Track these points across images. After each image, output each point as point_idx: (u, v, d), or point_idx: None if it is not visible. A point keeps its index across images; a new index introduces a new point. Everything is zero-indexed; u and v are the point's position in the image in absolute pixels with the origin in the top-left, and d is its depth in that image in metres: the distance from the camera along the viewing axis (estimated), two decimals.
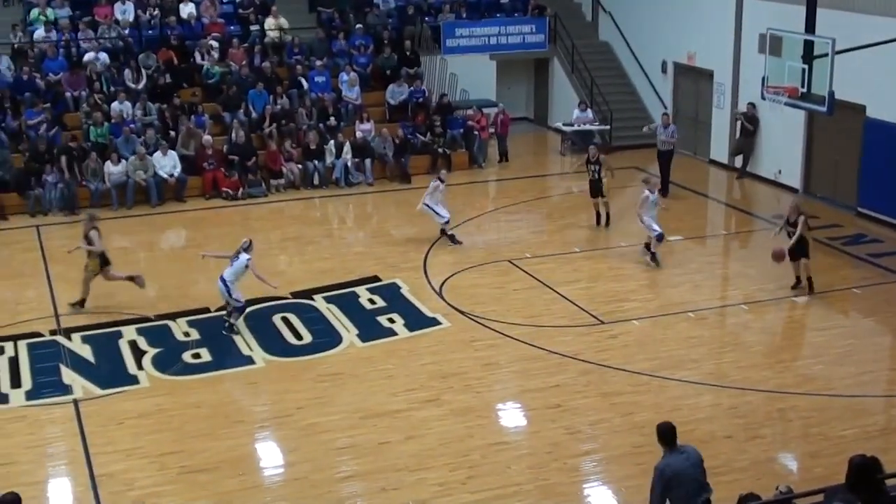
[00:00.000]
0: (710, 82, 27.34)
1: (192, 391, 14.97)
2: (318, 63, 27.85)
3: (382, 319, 17.35)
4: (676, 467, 9.98)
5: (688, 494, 9.98)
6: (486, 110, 28.16)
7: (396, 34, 29.61)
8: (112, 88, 26.39)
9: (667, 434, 10.11)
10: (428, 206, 20.72)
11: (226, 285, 16.47)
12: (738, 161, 26.24)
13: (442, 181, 20.95)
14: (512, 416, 14.57)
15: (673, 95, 29.09)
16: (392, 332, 16.87)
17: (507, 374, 15.53)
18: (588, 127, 28.83)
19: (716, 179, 26.43)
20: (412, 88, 27.99)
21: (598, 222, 21.99)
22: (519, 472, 12.76)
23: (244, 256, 16.59)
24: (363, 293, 18.44)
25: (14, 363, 15.94)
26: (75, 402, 14.72)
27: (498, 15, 30.82)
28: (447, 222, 20.89)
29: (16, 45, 27.34)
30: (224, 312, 16.97)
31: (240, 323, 16.96)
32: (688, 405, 14.21)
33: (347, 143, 25.81)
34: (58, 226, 22.92)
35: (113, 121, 25.41)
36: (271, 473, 13.19)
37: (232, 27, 29.12)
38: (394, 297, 18.23)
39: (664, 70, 29.19)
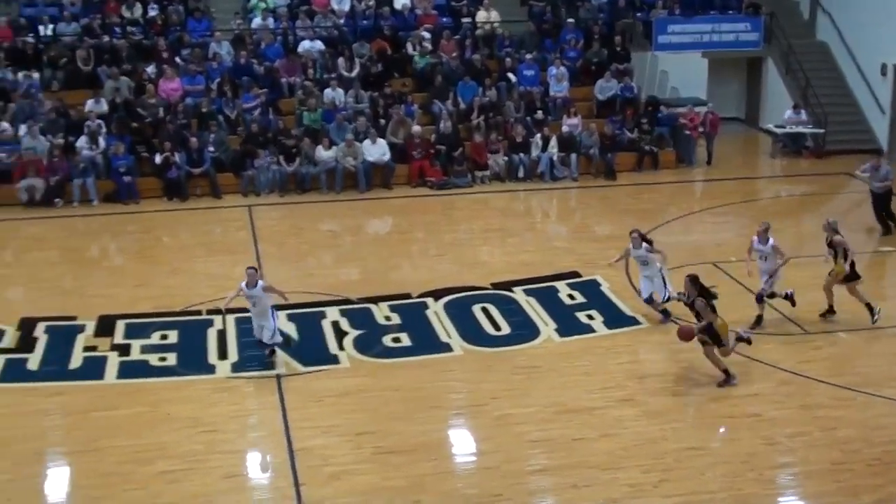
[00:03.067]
0: None
1: (391, 374, 15.21)
2: (528, 56, 27.91)
3: (581, 315, 17.25)
4: None
5: None
6: (695, 109, 27.69)
7: (607, 29, 29.39)
8: (325, 76, 27.08)
9: None
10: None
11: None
12: None
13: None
14: (708, 421, 14.24)
15: (892, 100, 27.92)
16: (590, 329, 16.76)
17: (704, 378, 15.19)
18: (801, 129, 28.02)
19: None
20: (621, 84, 27.74)
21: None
22: (713, 480, 12.47)
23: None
24: (563, 288, 18.36)
25: (222, 336, 16.51)
26: (278, 377, 15.17)
27: (711, 12, 30.20)
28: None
29: (236, 32, 28.36)
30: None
31: (441, 310, 17.21)
32: (894, 424, 13.62)
33: (554, 138, 25.78)
34: (269, 206, 23.73)
35: (325, 107, 26.09)
36: (463, 461, 13.29)
37: (444, 19, 29.50)
38: (593, 294, 18.11)
39: (884, 73, 28.04)
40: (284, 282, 18.75)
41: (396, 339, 16.30)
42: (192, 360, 15.75)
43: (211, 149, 24.79)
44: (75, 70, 26.76)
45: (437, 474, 12.65)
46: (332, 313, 17.28)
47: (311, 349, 16.05)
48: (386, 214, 23.73)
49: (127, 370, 15.46)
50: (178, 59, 27.17)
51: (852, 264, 16.68)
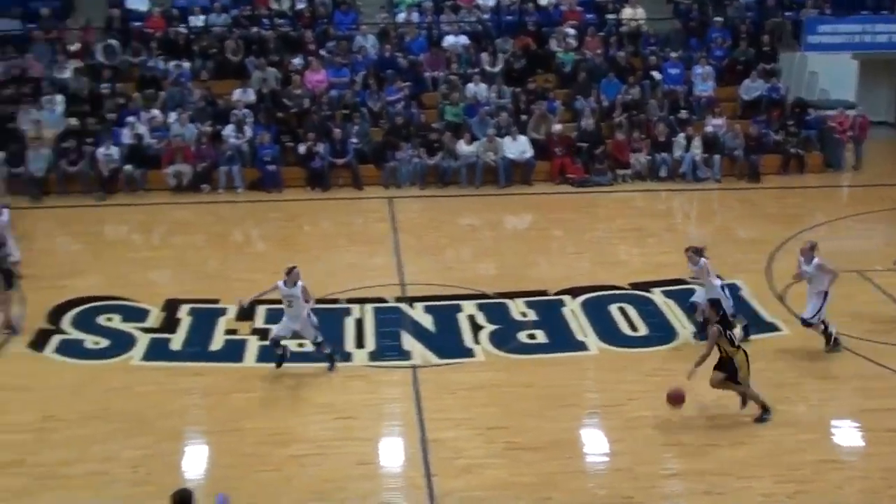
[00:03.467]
0: None
1: (525, 370, 15.19)
2: (673, 55, 27.57)
3: None
4: None
5: None
6: (845, 112, 26.96)
7: (755, 28, 28.82)
8: (468, 70, 27.17)
9: None
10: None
11: None
12: None
13: None
14: (847, 434, 13.78)
15: None
16: None
17: (845, 389, 14.80)
18: None
19: None
20: (768, 85, 27.17)
21: None
22: (850, 495, 12.12)
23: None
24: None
25: (360, 325, 16.76)
26: (413, 367, 15.31)
27: (863, 12, 29.33)
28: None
29: (381, 26, 28.66)
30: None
31: (578, 308, 17.16)
32: None
33: (697, 138, 25.40)
34: (409, 199, 23.94)
35: (467, 102, 26.19)
36: (594, 460, 13.19)
37: (589, 15, 29.32)
38: (734, 298, 17.51)
39: None
40: (422, 274, 19.04)
41: (532, 336, 16.26)
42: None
43: (354, 140, 25.12)
44: (224, 60, 27.39)
45: (568, 473, 12.60)
46: (469, 307, 17.34)
47: (446, 342, 16.16)
48: (525, 210, 23.71)
49: (266, 354, 15.74)
50: (323, 52, 27.58)
51: None
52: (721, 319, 13.52)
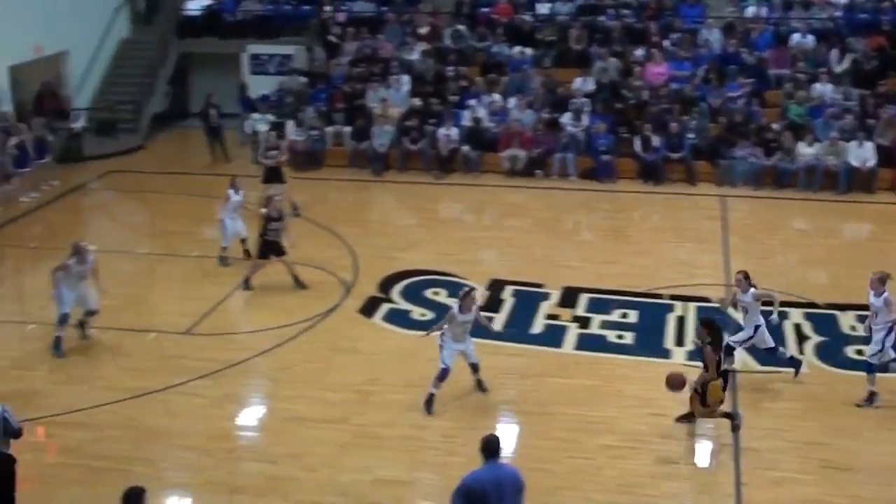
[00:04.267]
0: None
1: (849, 386, 14.50)
2: None
3: None
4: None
5: None
6: None
7: None
8: (815, 69, 26.22)
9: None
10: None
11: None
12: None
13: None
14: None
15: None
16: None
17: None
18: None
19: None
20: None
21: None
22: None
23: None
24: None
25: (681, 323, 16.62)
26: (733, 372, 14.92)
27: None
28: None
29: (727, 20, 28.14)
30: None
31: None
32: None
33: None
34: (742, 199, 23.41)
35: (812, 102, 25.29)
36: None
37: None
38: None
39: None
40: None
41: (859, 352, 15.44)
42: (649, 341, 16.00)
43: (691, 135, 24.82)
44: (567, 49, 27.73)
45: (884, 500, 12.06)
46: (796, 315, 16.83)
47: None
48: (864, 219, 22.65)
49: (585, 342, 15.98)
50: (666, 44, 27.39)
51: None
52: (713, 341, 12.78)
